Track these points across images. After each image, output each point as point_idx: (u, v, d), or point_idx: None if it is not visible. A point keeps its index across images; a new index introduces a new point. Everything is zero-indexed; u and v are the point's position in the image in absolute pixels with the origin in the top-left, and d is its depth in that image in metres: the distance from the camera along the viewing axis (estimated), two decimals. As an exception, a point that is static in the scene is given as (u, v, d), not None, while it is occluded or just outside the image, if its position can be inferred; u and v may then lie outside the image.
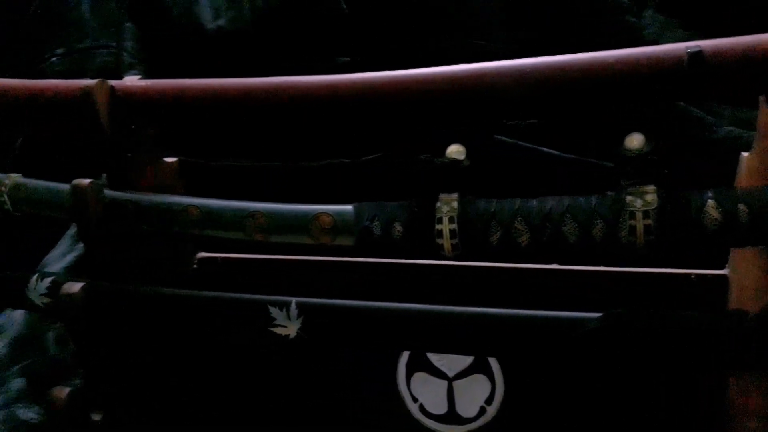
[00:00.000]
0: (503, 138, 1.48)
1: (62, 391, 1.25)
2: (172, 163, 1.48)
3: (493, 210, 1.10)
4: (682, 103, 1.50)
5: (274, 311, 1.19)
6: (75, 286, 1.26)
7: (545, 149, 1.58)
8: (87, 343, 1.29)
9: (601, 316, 1.04)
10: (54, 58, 1.94)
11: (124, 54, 1.94)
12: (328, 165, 1.82)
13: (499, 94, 1.12)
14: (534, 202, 1.09)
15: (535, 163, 1.57)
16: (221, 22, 1.86)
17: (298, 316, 1.18)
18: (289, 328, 1.19)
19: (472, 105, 1.12)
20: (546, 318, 1.08)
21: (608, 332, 1.04)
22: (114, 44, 1.94)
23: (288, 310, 1.18)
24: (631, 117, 1.19)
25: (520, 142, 1.58)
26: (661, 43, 1.14)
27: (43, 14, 1.99)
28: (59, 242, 1.86)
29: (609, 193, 1.07)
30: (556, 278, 1.22)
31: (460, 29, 1.75)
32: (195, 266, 1.52)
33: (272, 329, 1.19)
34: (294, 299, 1.19)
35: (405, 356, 1.45)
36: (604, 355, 1.07)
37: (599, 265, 1.20)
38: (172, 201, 1.29)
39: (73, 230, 1.84)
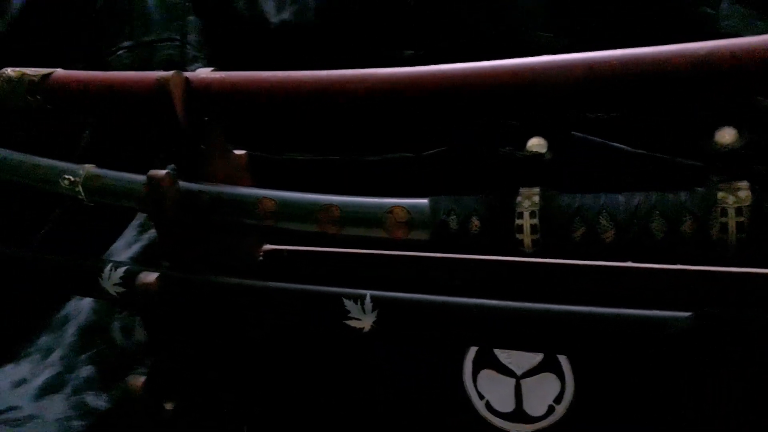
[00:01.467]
0: (583, 135, 1.45)
1: (137, 379, 1.27)
2: (241, 155, 1.49)
3: (577, 205, 1.08)
4: (761, 98, 1.45)
5: (348, 304, 1.18)
6: (151, 276, 1.27)
7: (615, 144, 1.54)
8: (161, 332, 1.30)
9: (691, 316, 1.01)
10: (120, 51, 1.97)
11: (188, 47, 1.95)
12: (390, 159, 1.81)
13: (582, 86, 1.09)
14: (620, 197, 1.07)
15: (605, 158, 1.53)
16: (285, 15, 1.86)
17: (373, 309, 1.17)
18: (363, 321, 1.18)
19: (555, 98, 1.09)
20: (633, 317, 1.06)
21: (699, 333, 1.01)
22: (178, 38, 1.96)
23: (363, 303, 1.18)
24: (706, 112, 1.15)
25: (589, 137, 1.54)
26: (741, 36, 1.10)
27: (109, 8, 2.02)
28: (124, 232, 1.88)
29: (698, 189, 1.04)
30: (639, 276, 1.18)
31: (526, 21, 1.72)
32: (260, 258, 1.53)
33: (346, 322, 1.19)
34: (369, 292, 1.18)
35: (471, 353, 1.44)
36: (693, 356, 1.04)
37: (686, 264, 1.16)
38: (246, 192, 1.30)
39: (138, 221, 1.87)
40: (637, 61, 1.06)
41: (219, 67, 1.43)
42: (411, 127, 1.73)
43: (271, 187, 1.33)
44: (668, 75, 1.04)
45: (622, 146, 1.55)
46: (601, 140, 1.55)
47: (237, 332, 1.37)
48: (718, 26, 1.55)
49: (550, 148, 1.12)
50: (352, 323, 1.18)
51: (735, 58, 1.01)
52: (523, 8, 1.68)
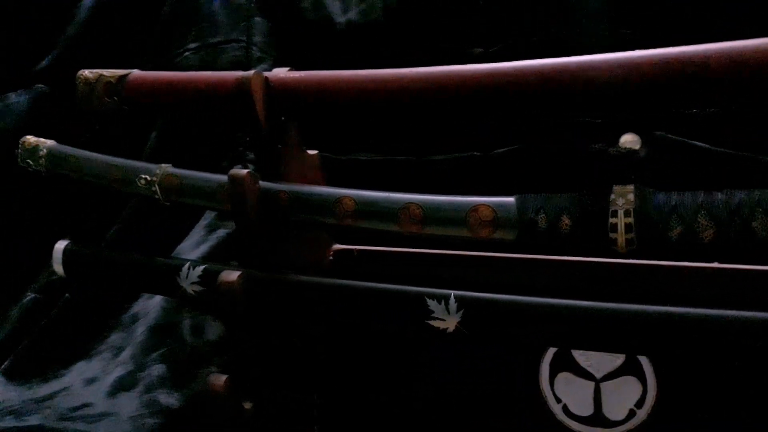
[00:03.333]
0: (666, 134, 1.42)
1: (219, 378, 1.27)
2: (314, 156, 1.48)
3: (674, 203, 1.05)
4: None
5: (432, 304, 1.17)
6: (232, 275, 1.27)
7: (696, 143, 1.50)
8: (242, 331, 1.30)
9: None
10: (187, 53, 1.99)
11: (254, 48, 1.96)
12: (457, 159, 1.79)
13: (678, 81, 1.05)
14: (720, 195, 1.03)
15: (686, 157, 1.50)
16: (351, 15, 1.86)
17: (458, 309, 1.15)
18: (447, 321, 1.16)
19: (654, 93, 1.06)
20: (730, 318, 1.02)
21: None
22: (244, 39, 1.97)
23: (447, 303, 1.16)
24: None
25: (669, 135, 1.51)
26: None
27: (176, 10, 2.04)
28: (191, 233, 1.90)
29: (803, 186, 1.00)
30: (740, 278, 1.15)
31: (594, 17, 1.69)
32: (331, 258, 1.52)
33: (429, 322, 1.17)
34: (453, 292, 1.16)
35: (549, 355, 1.41)
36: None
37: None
38: (326, 192, 1.29)
39: (205, 221, 1.88)
40: (734, 56, 1.02)
41: (292, 68, 1.43)
42: (481, 126, 1.71)
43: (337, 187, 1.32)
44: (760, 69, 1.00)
45: (703, 144, 1.51)
46: (681, 139, 1.52)
47: (317, 331, 1.37)
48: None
49: (643, 144, 1.09)
50: (436, 323, 1.16)
51: None
52: (595, 5, 1.65)
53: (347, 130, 1.89)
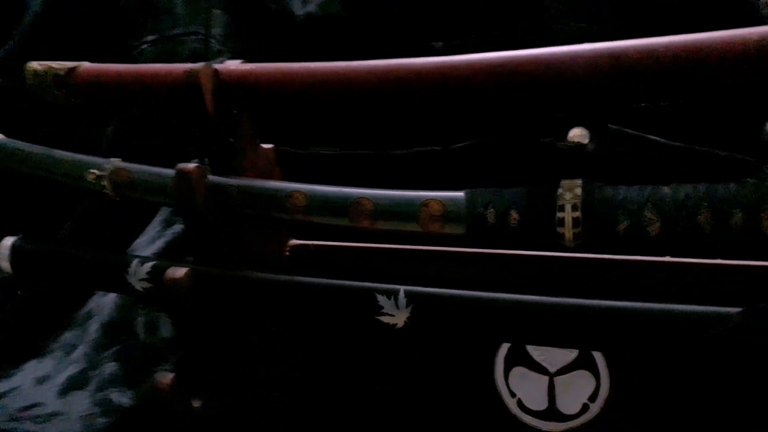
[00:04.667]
0: (620, 128, 1.42)
1: (165, 377, 1.24)
2: (269, 149, 1.46)
3: (620, 197, 1.04)
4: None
5: (381, 299, 1.16)
6: (179, 271, 1.25)
7: (651, 137, 1.51)
8: (189, 328, 1.28)
9: (741, 312, 0.98)
10: (145, 45, 1.95)
11: (213, 41, 1.93)
12: (417, 153, 1.78)
13: (628, 75, 1.05)
14: (666, 189, 1.03)
15: (640, 151, 1.50)
16: (311, 7, 1.83)
17: (407, 304, 1.14)
18: (397, 317, 1.15)
19: (602, 87, 1.06)
20: (679, 312, 1.02)
21: (748, 330, 0.97)
22: (203, 31, 1.94)
23: (396, 298, 1.15)
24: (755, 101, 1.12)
25: (624, 129, 1.51)
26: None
27: (134, 1, 2.00)
28: (148, 227, 1.87)
29: (749, 180, 1.00)
30: (686, 272, 1.15)
31: (559, 11, 1.69)
32: (287, 253, 1.51)
33: (379, 318, 1.16)
34: (402, 287, 1.15)
35: (503, 350, 1.41)
36: (742, 354, 1.00)
37: (735, 258, 1.13)
38: (277, 186, 1.27)
39: (161, 216, 1.85)
40: (685, 48, 1.02)
41: (245, 61, 1.41)
42: (439, 120, 1.70)
43: (296, 182, 1.30)
44: (720, 62, 1.00)
45: (659, 139, 1.51)
46: (636, 133, 1.52)
47: (266, 327, 1.35)
48: (761, 14, 1.51)
49: (592, 138, 1.09)
50: (385, 319, 1.15)
51: (788, 44, 0.97)
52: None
53: (308, 124, 1.87)
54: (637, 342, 1.07)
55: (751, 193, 0.99)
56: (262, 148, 1.45)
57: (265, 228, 1.44)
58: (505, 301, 1.12)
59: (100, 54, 1.94)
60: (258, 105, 1.33)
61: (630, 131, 1.51)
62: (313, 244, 1.51)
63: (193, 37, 1.93)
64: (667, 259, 1.22)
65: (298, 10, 1.85)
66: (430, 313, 1.14)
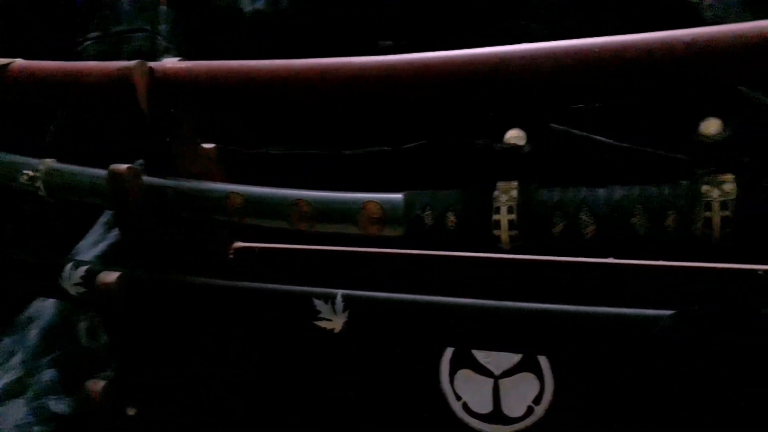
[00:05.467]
0: (561, 127, 1.41)
1: (97, 384, 1.21)
2: (210, 149, 1.43)
3: (556, 199, 1.03)
4: (745, 89, 1.41)
5: (318, 304, 1.13)
6: (111, 276, 1.21)
7: (598, 137, 1.50)
8: (122, 334, 1.24)
9: (674, 314, 0.97)
10: (88, 42, 1.90)
11: (159, 38, 1.89)
12: (369, 153, 1.75)
13: (563, 76, 1.04)
14: (601, 191, 1.02)
15: (592, 151, 1.49)
16: (259, 4, 1.80)
17: (344, 309, 1.12)
18: (334, 321, 1.13)
19: (535, 88, 1.05)
20: (612, 315, 1.01)
21: (682, 331, 0.97)
22: (149, 28, 1.89)
23: (334, 303, 1.12)
24: (698, 103, 1.11)
25: (571, 130, 1.50)
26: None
27: (79, -3, 1.95)
28: (91, 230, 1.82)
29: (683, 182, 1.00)
30: (621, 273, 1.14)
31: (506, 11, 1.68)
32: (231, 256, 1.47)
33: (317, 323, 1.14)
34: (340, 291, 1.13)
35: (448, 353, 1.39)
36: (674, 356, 1.00)
37: (669, 260, 1.12)
38: (213, 188, 1.24)
39: (105, 218, 1.80)
40: (618, 49, 1.01)
41: (192, 58, 1.37)
42: (390, 120, 1.68)
43: (247, 183, 1.27)
44: (650, 62, 1.00)
45: (606, 139, 1.50)
46: (583, 133, 1.51)
47: (202, 334, 1.31)
48: (703, 16, 1.52)
49: (529, 140, 1.08)
50: (323, 324, 1.13)
51: (720, 45, 0.97)
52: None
53: (258, 123, 1.84)
54: (577, 345, 1.06)
55: (684, 195, 0.98)
56: (202, 148, 1.42)
57: (207, 230, 1.41)
58: (444, 305, 1.10)
59: (42, 51, 1.89)
60: (195, 103, 1.30)
61: (577, 132, 1.50)
62: (258, 247, 1.48)
63: (139, 34, 1.88)
64: (611, 260, 1.22)
65: (247, 6, 1.81)
66: (368, 318, 1.12)
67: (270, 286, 1.17)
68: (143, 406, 1.25)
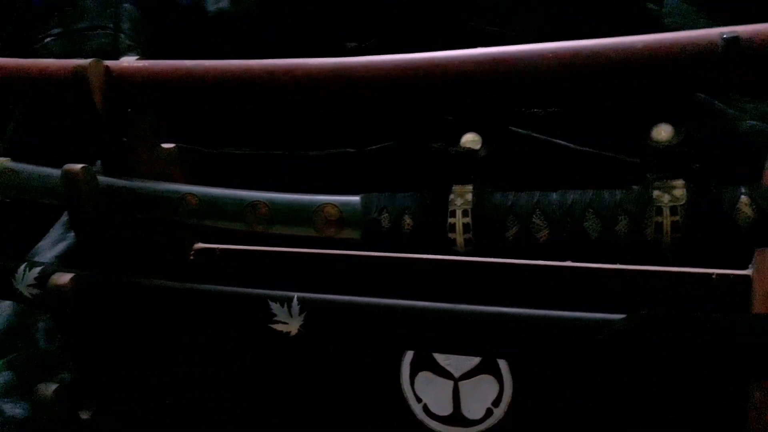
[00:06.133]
0: (517, 129, 1.42)
1: (48, 388, 1.18)
2: (170, 149, 1.41)
3: (510, 203, 1.04)
4: (703, 96, 1.44)
5: (274, 307, 1.12)
6: (64, 277, 1.19)
7: (560, 141, 1.51)
8: (76, 336, 1.22)
9: (622, 318, 0.98)
10: (48, 39, 1.87)
11: (122, 36, 1.86)
12: (334, 155, 1.75)
13: (518, 79, 1.05)
14: (554, 196, 1.03)
15: (549, 155, 1.50)
16: (223, 3, 1.79)
17: (300, 312, 1.11)
18: (290, 324, 1.12)
19: (488, 91, 1.05)
20: (565, 319, 1.02)
21: (633, 334, 0.98)
22: (111, 26, 1.86)
23: (290, 306, 1.12)
24: (651, 108, 1.13)
25: (533, 134, 1.51)
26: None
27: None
28: (50, 230, 1.79)
29: (634, 187, 1.01)
30: (574, 276, 1.15)
31: (473, 14, 1.68)
32: (192, 257, 1.46)
33: (272, 326, 1.13)
34: (296, 294, 1.12)
35: (409, 355, 1.39)
36: (626, 358, 1.01)
37: (622, 263, 1.14)
38: (169, 189, 1.23)
39: (65, 218, 1.78)
40: (572, 54, 1.02)
41: (156, 58, 1.36)
42: (354, 121, 1.68)
43: (211, 184, 1.26)
44: (604, 68, 1.01)
45: (567, 144, 1.52)
46: (544, 137, 1.52)
47: (157, 336, 1.30)
48: (664, 22, 1.54)
49: (485, 144, 1.08)
50: (279, 327, 1.12)
51: (670, 51, 0.98)
52: (468, 1, 1.64)
53: (222, 124, 1.82)
54: (533, 348, 1.06)
55: (636, 200, 0.99)
56: (162, 148, 1.41)
57: (165, 231, 1.39)
58: (399, 308, 1.10)
59: (3, 50, 1.86)
60: (152, 103, 1.28)
61: (540, 136, 1.51)
62: (219, 248, 1.47)
63: (101, 31, 1.86)
64: (568, 263, 1.23)
65: (211, 5, 1.80)
66: (325, 321, 1.11)
67: (225, 288, 1.16)
68: (99, 410, 1.23)
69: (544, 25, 1.54)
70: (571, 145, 1.53)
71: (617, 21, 1.54)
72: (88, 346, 1.22)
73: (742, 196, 0.95)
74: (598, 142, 1.41)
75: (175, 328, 1.29)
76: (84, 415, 1.22)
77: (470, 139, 1.08)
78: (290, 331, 1.12)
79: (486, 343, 1.08)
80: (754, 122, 1.42)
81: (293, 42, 1.76)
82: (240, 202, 1.18)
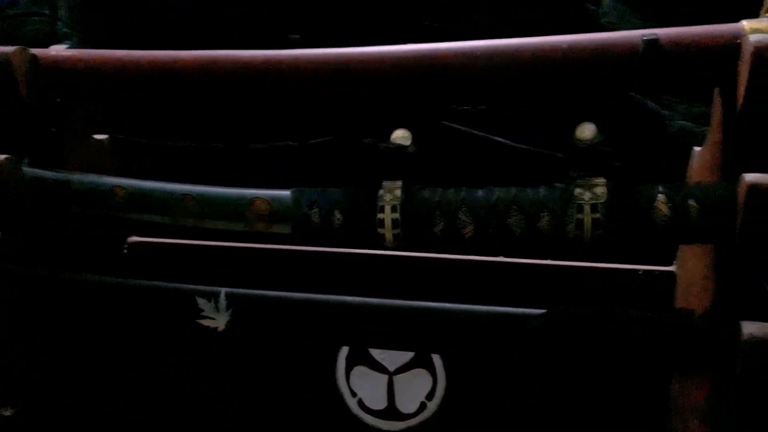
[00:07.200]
0: (452, 124, 1.42)
1: (-31, 385, 1.16)
2: (102, 140, 1.39)
3: (437, 199, 1.05)
4: (637, 96, 1.46)
5: (201, 302, 1.12)
6: (-13, 271, 1.16)
7: (495, 137, 1.53)
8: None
9: (544, 314, 1.00)
10: (-19, 25, 1.81)
11: (59, 23, 1.81)
12: (275, 148, 1.74)
13: (447, 76, 1.05)
14: (480, 192, 1.04)
15: (485, 151, 1.51)
16: (165, -7, 1.75)
17: (228, 307, 1.11)
18: (217, 320, 1.11)
19: (419, 87, 1.06)
20: (490, 314, 1.03)
21: (551, 330, 0.99)
22: (47, 12, 1.81)
23: (217, 302, 1.11)
24: (586, 107, 1.15)
25: (468, 129, 1.52)
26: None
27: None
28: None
29: (557, 184, 1.02)
30: (501, 271, 1.17)
31: (416, 10, 1.68)
32: (125, 251, 1.43)
33: (200, 321, 1.12)
34: (223, 290, 1.12)
35: (345, 349, 1.39)
36: (548, 352, 1.03)
37: (547, 259, 1.15)
38: (96, 181, 1.21)
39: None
40: (499, 52, 1.03)
41: (95, 47, 1.32)
42: (298, 115, 1.67)
43: (149, 177, 1.24)
44: (530, 66, 1.02)
45: (506, 141, 1.53)
46: (477, 132, 1.53)
47: (83, 332, 1.27)
48: (601, 22, 1.56)
49: (415, 140, 1.08)
50: (206, 322, 1.12)
51: (594, 52, 1.00)
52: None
53: (166, 116, 1.79)
54: (459, 343, 1.08)
55: (558, 197, 1.01)
56: (94, 139, 1.38)
57: (98, 224, 1.37)
58: (329, 303, 1.10)
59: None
60: (82, 92, 1.25)
61: (474, 131, 1.52)
62: (154, 242, 1.44)
63: (36, 18, 1.80)
64: (500, 259, 1.25)
65: (152, -6, 1.76)
66: (252, 316, 1.11)
67: (152, 283, 1.15)
68: (20, 408, 1.20)
69: (483, 22, 1.55)
70: (501, 140, 1.54)
71: (559, 20, 1.56)
72: (9, 341, 1.19)
73: (660, 195, 0.97)
74: (535, 141, 1.42)
75: (101, 324, 1.27)
76: (5, 412, 1.19)
77: (400, 135, 1.08)
78: (218, 327, 1.12)
79: (412, 337, 1.09)
80: (685, 122, 1.45)
81: (236, 34, 1.74)
82: (168, 196, 1.16)
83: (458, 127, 1.38)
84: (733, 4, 1.08)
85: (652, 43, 0.97)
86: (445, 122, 1.34)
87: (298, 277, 1.23)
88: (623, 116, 1.43)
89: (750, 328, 0.89)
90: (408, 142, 1.08)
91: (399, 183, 1.07)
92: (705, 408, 1.07)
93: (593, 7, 1.56)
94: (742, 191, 0.91)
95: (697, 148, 1.13)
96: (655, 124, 1.46)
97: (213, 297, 1.11)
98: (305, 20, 1.76)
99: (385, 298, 1.09)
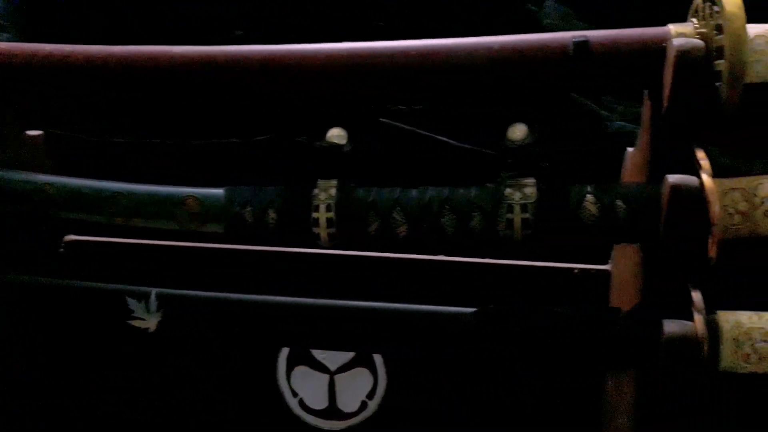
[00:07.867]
0: (390, 122, 1.42)
1: None
2: (35, 137, 1.35)
3: (371, 199, 1.04)
4: (578, 97, 1.48)
5: (132, 303, 1.09)
6: None
7: (433, 135, 1.52)
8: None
9: (476, 312, 1.00)
10: None
11: (-6, 16, 1.76)
12: (216, 144, 1.71)
13: (380, 75, 1.05)
14: (414, 192, 1.04)
15: (421, 149, 1.51)
16: (105, -15, 1.71)
17: (158, 308, 1.09)
18: (148, 321, 1.09)
19: (353, 86, 1.05)
20: (426, 313, 1.04)
21: (482, 328, 1.00)
22: (-18, 5, 1.75)
23: (147, 302, 1.09)
24: (525, 107, 1.16)
25: (404, 126, 1.51)
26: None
27: None
28: None
29: (489, 184, 1.03)
30: (437, 270, 1.17)
31: (358, 8, 1.68)
32: (61, 250, 1.40)
33: (130, 322, 1.10)
34: (154, 290, 1.10)
35: (286, 349, 1.38)
36: (481, 351, 1.03)
37: (481, 258, 1.16)
38: (25, 178, 1.17)
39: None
40: (433, 52, 1.03)
41: (29, 40, 1.28)
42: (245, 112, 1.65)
43: (86, 174, 1.21)
44: (462, 66, 1.02)
45: (444, 139, 1.53)
46: (427, 133, 1.53)
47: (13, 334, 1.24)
48: (543, 24, 1.57)
49: (351, 139, 1.08)
50: (137, 323, 1.09)
51: (525, 53, 1.01)
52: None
53: (103, 111, 1.75)
54: (393, 342, 1.07)
55: (489, 197, 1.01)
56: (26, 135, 1.34)
57: (31, 222, 1.33)
58: (261, 303, 1.09)
59: None
60: (11, 88, 1.21)
61: (413, 129, 1.51)
62: (90, 240, 1.41)
63: (-30, 10, 1.74)
64: (441, 257, 1.25)
65: (91, -14, 1.72)
66: (183, 317, 1.09)
67: (82, 283, 1.12)
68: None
69: (425, 22, 1.55)
70: (439, 137, 1.54)
71: (498, 20, 1.57)
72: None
73: (588, 195, 0.99)
74: (475, 139, 1.42)
75: (30, 325, 1.24)
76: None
77: (336, 134, 1.07)
78: (148, 327, 1.09)
79: (346, 337, 1.08)
80: (623, 123, 1.48)
81: (178, 29, 1.71)
82: (99, 194, 1.14)
83: (395, 123, 1.37)
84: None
85: (582, 45, 0.99)
86: (382, 119, 1.33)
87: (235, 276, 1.22)
88: (563, 117, 1.45)
89: (671, 327, 0.91)
90: (344, 141, 1.07)
91: (334, 182, 1.07)
92: (635, 405, 1.09)
93: (534, 9, 1.58)
94: (665, 192, 0.93)
95: (630, 149, 1.15)
96: (595, 125, 1.48)
97: (143, 297, 1.08)
98: (247, 16, 1.74)
99: (321, 297, 1.09)
